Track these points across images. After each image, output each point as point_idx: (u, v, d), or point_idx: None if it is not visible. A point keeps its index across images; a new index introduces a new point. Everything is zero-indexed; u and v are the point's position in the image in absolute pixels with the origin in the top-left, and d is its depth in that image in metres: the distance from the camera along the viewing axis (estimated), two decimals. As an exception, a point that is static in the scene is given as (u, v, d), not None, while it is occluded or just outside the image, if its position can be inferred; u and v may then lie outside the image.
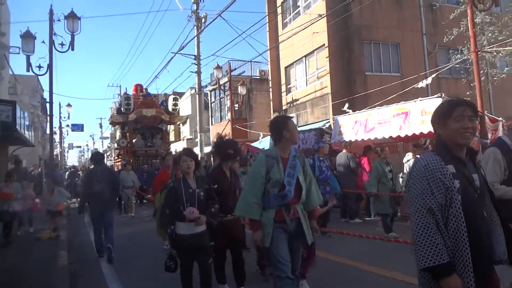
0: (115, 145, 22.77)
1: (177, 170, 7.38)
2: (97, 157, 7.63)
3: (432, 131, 7.93)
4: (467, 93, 12.84)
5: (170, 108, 20.54)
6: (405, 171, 10.18)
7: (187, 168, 4.08)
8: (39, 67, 12.54)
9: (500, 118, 10.37)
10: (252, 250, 5.94)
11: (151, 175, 12.85)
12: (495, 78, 13.84)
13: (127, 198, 12.89)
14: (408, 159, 10.09)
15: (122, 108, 19.24)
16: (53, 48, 12.99)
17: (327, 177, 7.81)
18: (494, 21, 13.20)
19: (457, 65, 15.44)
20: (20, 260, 6.82)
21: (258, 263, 5.40)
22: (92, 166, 8.21)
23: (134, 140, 19.25)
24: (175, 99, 21.07)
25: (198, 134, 22.77)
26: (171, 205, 3.99)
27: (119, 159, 19.94)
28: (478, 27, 12.76)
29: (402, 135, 9.38)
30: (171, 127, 25.98)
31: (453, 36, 13.20)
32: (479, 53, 10.40)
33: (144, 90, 21.24)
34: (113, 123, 22.19)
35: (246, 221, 5.34)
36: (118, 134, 22.66)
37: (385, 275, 5.17)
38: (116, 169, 20.03)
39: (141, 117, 18.93)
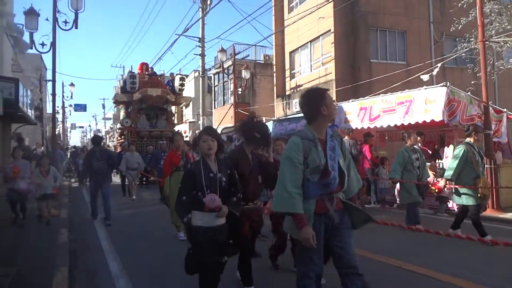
0: (119, 125, 21.87)
1: (188, 152, 7.25)
2: (96, 139, 9.53)
3: (435, 120, 7.84)
4: (472, 82, 12.72)
5: (176, 88, 20.00)
6: None
7: (208, 149, 3.52)
8: (43, 44, 12.48)
9: (505, 109, 10.31)
10: (266, 239, 5.79)
11: (156, 157, 12.53)
12: (501, 68, 13.70)
13: (132, 180, 12.61)
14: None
15: (127, 87, 18.65)
16: (57, 25, 12.90)
17: None
18: (503, 11, 13.00)
19: (463, 54, 15.28)
20: (20, 237, 6.89)
21: (270, 251, 5.02)
22: (91, 147, 10.10)
23: (138, 120, 18.77)
24: (181, 79, 20.49)
25: (201, 117, 22.81)
26: (188, 190, 3.43)
27: (123, 140, 19.22)
28: (488, 18, 12.57)
29: (406, 123, 9.34)
30: (175, 109, 25.62)
31: (461, 26, 13.02)
32: (486, 42, 10.27)
33: (149, 69, 20.54)
34: (117, 102, 21.31)
35: (267, 211, 4.99)
36: (122, 113, 21.86)
37: (413, 271, 4.81)
38: (117, 150, 20.00)
39: (146, 97, 18.39)
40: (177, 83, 20.05)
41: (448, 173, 6.37)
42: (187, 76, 30.33)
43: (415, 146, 7.60)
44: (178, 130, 20.98)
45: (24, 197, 8.04)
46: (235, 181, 3.67)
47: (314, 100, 3.03)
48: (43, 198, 7.94)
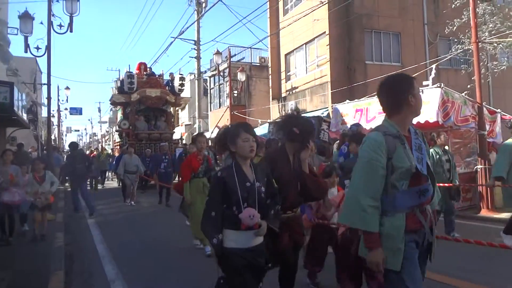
0: (117, 127, 20.91)
1: (219, 155, 6.64)
2: (73, 145, 11.63)
3: (429, 121, 7.78)
4: (468, 86, 12.81)
5: (176, 88, 18.90)
6: None
7: (251, 151, 2.86)
8: (37, 48, 12.44)
9: (499, 110, 10.38)
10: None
11: (157, 160, 12.07)
12: (495, 70, 13.79)
13: (131, 184, 11.90)
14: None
15: (124, 87, 17.67)
16: (52, 29, 12.88)
17: None
18: (496, 12, 13.10)
19: (457, 56, 15.37)
20: (15, 241, 6.85)
21: (306, 266, 4.40)
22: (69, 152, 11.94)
23: (136, 122, 17.86)
24: (181, 79, 19.28)
25: (197, 120, 22.84)
26: (219, 204, 2.78)
27: (120, 143, 18.41)
28: (482, 18, 12.66)
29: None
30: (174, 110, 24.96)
31: (455, 27, 13.12)
32: (479, 44, 10.34)
33: (148, 69, 19.64)
34: (114, 103, 20.27)
35: (306, 221, 4.25)
36: (119, 115, 20.96)
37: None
38: (115, 154, 19.70)
39: (145, 98, 17.58)
40: (176, 83, 19.05)
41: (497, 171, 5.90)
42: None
43: (445, 147, 7.04)
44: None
45: (14, 209, 6.84)
46: (273, 191, 3.00)
47: (400, 88, 2.45)
48: (37, 208, 6.83)
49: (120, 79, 18.66)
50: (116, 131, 21.33)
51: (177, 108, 24.47)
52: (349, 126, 10.77)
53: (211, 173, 6.13)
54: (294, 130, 3.40)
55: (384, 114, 2.53)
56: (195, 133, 6.84)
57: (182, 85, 19.16)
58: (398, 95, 2.44)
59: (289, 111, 3.87)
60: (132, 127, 17.57)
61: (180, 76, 19.28)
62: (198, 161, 6.13)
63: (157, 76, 19.22)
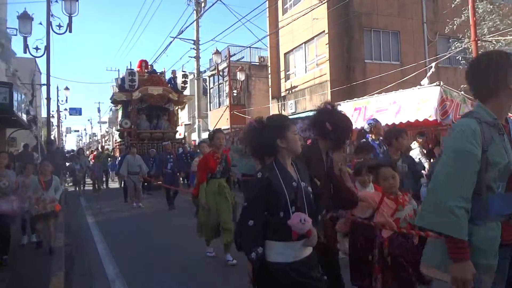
0: (118, 126, 19.81)
1: (228, 156, 5.56)
2: (50, 141, 12.77)
3: (429, 119, 7.57)
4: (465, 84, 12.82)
5: (179, 86, 18.10)
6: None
7: (297, 145, 2.45)
8: (36, 49, 12.46)
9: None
10: None
11: (162, 161, 11.43)
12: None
13: (133, 185, 11.32)
14: (414, 148, 9.70)
15: (125, 85, 16.98)
16: (51, 29, 12.89)
17: None
18: (495, 10, 13.11)
19: (456, 54, 15.38)
20: (15, 241, 6.86)
21: (354, 281, 3.61)
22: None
23: (138, 121, 17.16)
24: (184, 76, 18.46)
25: (197, 120, 22.80)
26: (260, 210, 2.28)
27: (121, 143, 17.57)
28: (481, 17, 12.68)
29: (397, 122, 9.36)
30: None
31: (455, 26, 13.14)
32: (478, 42, 10.35)
33: (149, 66, 18.95)
34: (115, 102, 19.49)
35: (342, 225, 3.73)
36: (120, 114, 20.17)
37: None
38: (116, 154, 19.35)
39: (147, 96, 16.75)
40: (179, 80, 18.20)
41: None
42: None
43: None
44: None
45: (9, 221, 5.71)
46: (317, 192, 2.57)
47: (497, 68, 1.97)
48: (41, 218, 6.02)
49: (121, 77, 18.25)
50: (117, 130, 20.67)
51: (176, 108, 23.89)
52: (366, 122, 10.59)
53: (230, 173, 5.97)
54: (327, 125, 3.03)
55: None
56: (213, 130, 6.22)
57: (185, 82, 18.37)
58: (495, 77, 1.97)
59: (323, 105, 3.33)
60: (134, 126, 16.94)
61: (183, 73, 18.55)
62: (215, 161, 5.58)
63: (158, 73, 18.56)
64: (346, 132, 3.10)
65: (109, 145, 44.83)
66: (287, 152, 2.41)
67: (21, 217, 6.32)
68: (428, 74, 10.65)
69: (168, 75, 19.09)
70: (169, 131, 17.47)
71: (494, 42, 12.70)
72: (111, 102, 20.99)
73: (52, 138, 18.66)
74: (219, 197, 5.55)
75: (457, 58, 17.03)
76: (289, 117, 16.98)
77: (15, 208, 5.68)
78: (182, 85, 18.15)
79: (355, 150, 5.28)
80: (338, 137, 3.03)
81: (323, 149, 3.09)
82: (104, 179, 18.14)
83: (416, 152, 8.39)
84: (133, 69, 17.49)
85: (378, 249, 3.24)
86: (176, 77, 18.48)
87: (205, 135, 18.42)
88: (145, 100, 17.01)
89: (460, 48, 13.46)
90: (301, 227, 2.17)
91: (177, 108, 19.68)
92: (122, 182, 13.84)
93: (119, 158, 14.56)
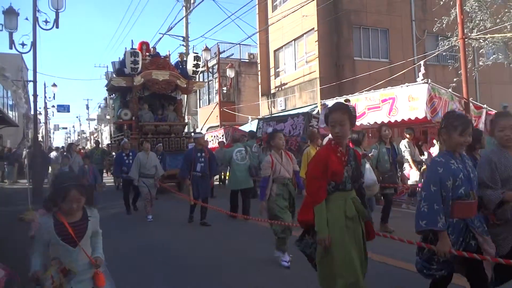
0: (116, 118, 15.95)
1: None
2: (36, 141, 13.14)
3: (418, 117, 7.75)
4: (454, 79, 12.95)
5: (190, 71, 14.85)
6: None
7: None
8: (23, 44, 12.28)
9: (485, 105, 10.51)
10: None
11: (190, 159, 8.02)
12: (481, 64, 13.98)
13: (148, 192, 8.58)
14: (405, 144, 9.63)
15: (126, 69, 13.78)
16: (37, 25, 12.71)
17: None
18: (483, 8, 13.27)
19: (444, 52, 15.53)
20: (2, 240, 6.78)
21: None
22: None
23: (140, 112, 14.32)
24: (196, 59, 15.04)
25: (186, 117, 22.71)
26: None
27: (119, 138, 14.45)
28: (468, 15, 12.81)
29: (392, 120, 9.43)
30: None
31: (443, 24, 13.26)
32: (466, 40, 10.46)
33: (152, 49, 15.90)
34: (112, 89, 16.08)
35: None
36: (111, 104, 17.08)
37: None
38: (113, 152, 16.03)
39: (151, 82, 14.03)
40: (190, 63, 14.86)
41: None
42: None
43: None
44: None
45: None
46: None
47: None
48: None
49: (119, 59, 15.38)
50: (114, 123, 16.98)
51: (195, 90, 20.10)
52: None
53: (361, 180, 3.31)
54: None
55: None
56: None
57: (197, 66, 15.02)
58: None
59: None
60: (135, 117, 14.08)
61: (195, 54, 15.38)
62: (340, 160, 3.05)
63: (163, 57, 15.70)
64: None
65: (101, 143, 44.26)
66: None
67: None
68: (420, 73, 10.73)
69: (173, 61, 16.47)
70: (177, 123, 14.73)
71: (482, 40, 12.86)
72: (107, 90, 17.66)
73: (39, 135, 18.39)
74: (352, 223, 3.00)
75: (444, 55, 17.23)
76: (280, 114, 16.89)
77: None
78: (194, 69, 14.89)
79: None
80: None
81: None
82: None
83: (403, 144, 8.88)
84: (135, 49, 13.90)
85: None
86: (185, 60, 15.66)
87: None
88: (149, 86, 14.29)
89: (448, 46, 13.59)
90: None
91: (195, 91, 16.60)
92: (118, 185, 12.56)
93: (114, 157, 12.64)
